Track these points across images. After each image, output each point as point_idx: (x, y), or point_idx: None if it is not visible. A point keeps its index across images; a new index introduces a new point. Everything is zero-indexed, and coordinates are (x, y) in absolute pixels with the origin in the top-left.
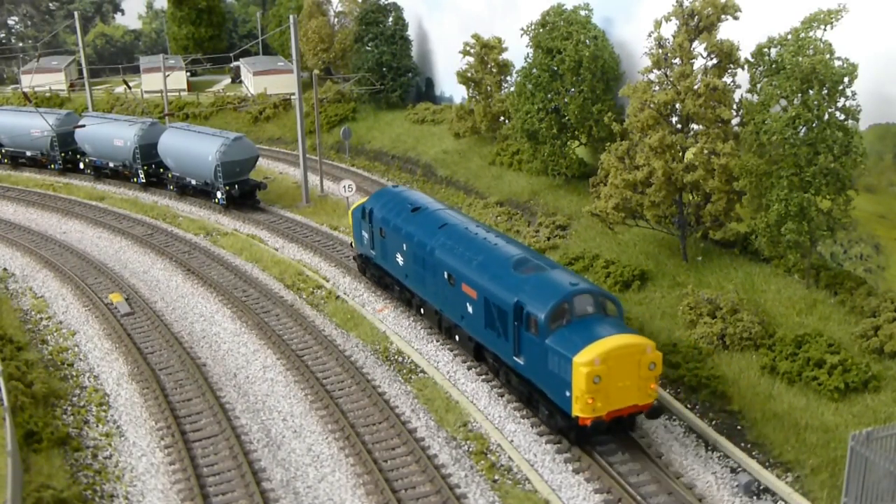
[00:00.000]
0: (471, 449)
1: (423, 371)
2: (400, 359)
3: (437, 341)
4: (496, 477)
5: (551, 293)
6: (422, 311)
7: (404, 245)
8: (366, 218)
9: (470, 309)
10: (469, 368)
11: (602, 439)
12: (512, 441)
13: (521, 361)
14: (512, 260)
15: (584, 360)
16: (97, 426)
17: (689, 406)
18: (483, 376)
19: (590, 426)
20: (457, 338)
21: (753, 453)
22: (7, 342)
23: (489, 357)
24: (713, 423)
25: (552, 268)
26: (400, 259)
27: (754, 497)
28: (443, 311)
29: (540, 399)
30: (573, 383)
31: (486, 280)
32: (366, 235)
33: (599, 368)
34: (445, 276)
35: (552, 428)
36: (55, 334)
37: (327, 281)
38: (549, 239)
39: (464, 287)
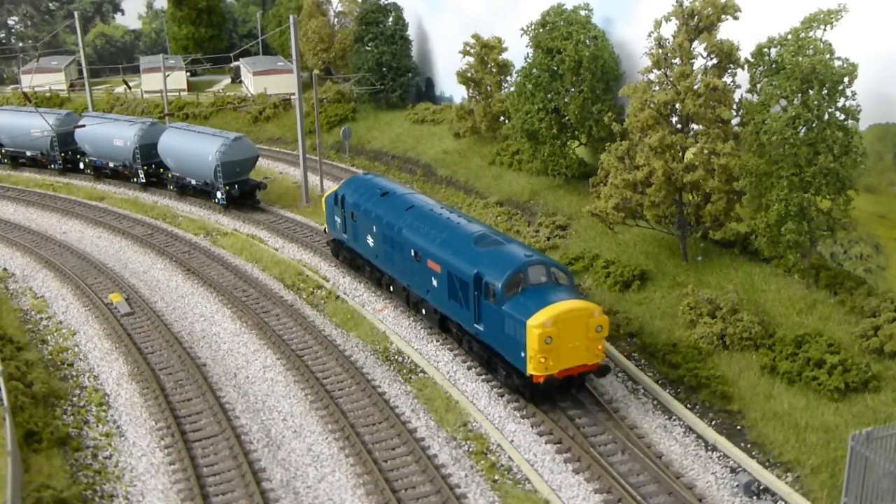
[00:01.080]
0: (471, 449)
1: (423, 371)
2: (400, 359)
3: (437, 341)
4: (496, 477)
5: (507, 264)
6: (391, 288)
7: (374, 227)
8: (338, 204)
9: (435, 283)
10: (469, 368)
11: (603, 440)
12: (512, 441)
13: (481, 328)
14: (473, 236)
15: (537, 322)
16: (97, 426)
17: (689, 406)
18: (483, 376)
19: (543, 383)
20: (423, 311)
21: (753, 453)
22: (7, 342)
23: (453, 327)
24: (713, 423)
25: (509, 242)
26: (370, 240)
27: (754, 497)
28: (410, 286)
29: (499, 362)
30: (527, 344)
31: (449, 255)
32: (338, 220)
33: (551, 330)
34: (412, 253)
35: (510, 387)
36: (55, 334)
37: (327, 281)
38: (549, 239)
39: (429, 263)
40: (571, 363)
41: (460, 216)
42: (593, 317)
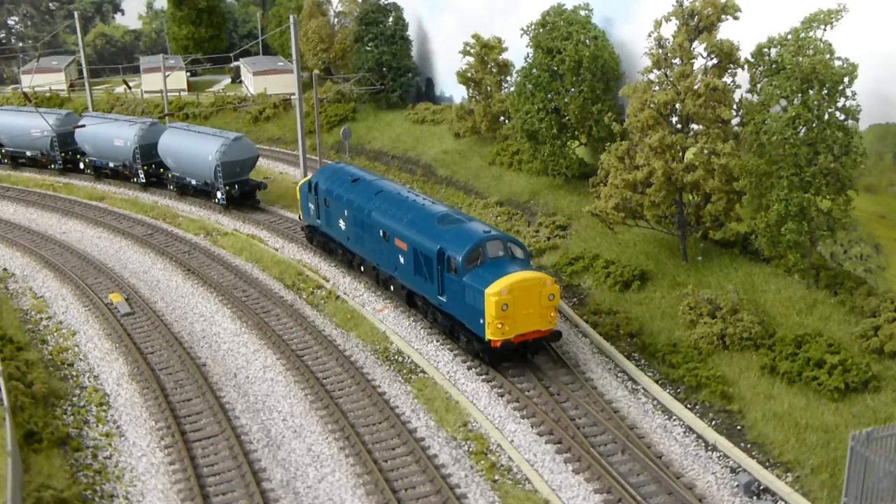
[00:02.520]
0: (471, 449)
1: (423, 371)
2: (400, 359)
3: (437, 341)
4: (496, 477)
5: (467, 239)
6: (361, 268)
7: (346, 211)
8: (311, 191)
9: (402, 260)
10: (469, 368)
11: (603, 440)
12: (512, 441)
13: (444, 299)
14: (436, 216)
15: (494, 291)
16: (97, 426)
17: (689, 406)
18: (483, 376)
19: (500, 348)
20: (391, 288)
21: (753, 453)
22: (7, 342)
23: (419, 301)
24: (713, 423)
25: (469, 221)
26: (342, 224)
27: (754, 497)
28: (379, 265)
29: (460, 330)
30: (486, 311)
31: (415, 233)
32: (312, 207)
33: (506, 297)
34: (381, 233)
35: (470, 353)
36: (55, 334)
37: (327, 281)
38: (549, 239)
39: (396, 241)
40: (526, 329)
41: (425, 199)
42: (546, 286)
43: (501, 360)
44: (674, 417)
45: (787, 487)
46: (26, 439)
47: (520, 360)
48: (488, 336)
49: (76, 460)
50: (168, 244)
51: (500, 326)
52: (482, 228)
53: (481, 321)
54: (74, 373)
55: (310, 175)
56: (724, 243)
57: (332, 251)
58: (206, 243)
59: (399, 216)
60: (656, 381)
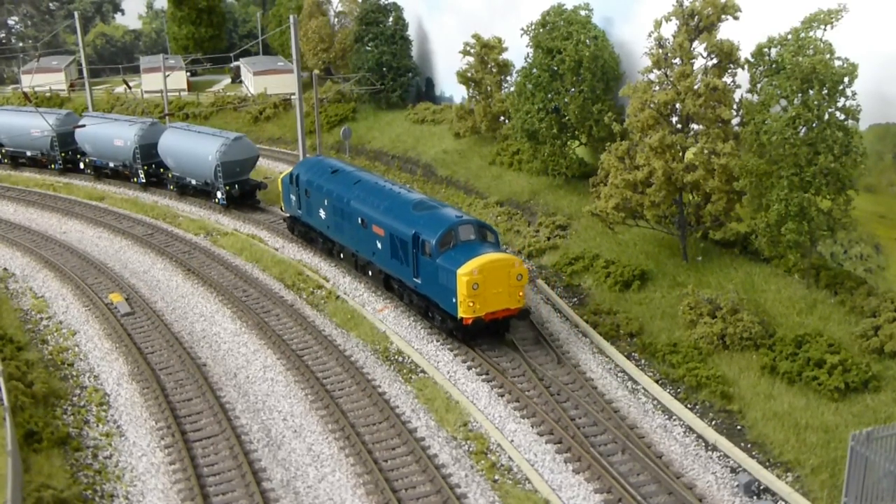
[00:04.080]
0: (471, 449)
1: (423, 371)
2: (400, 359)
3: (438, 341)
4: (496, 477)
5: (440, 224)
6: (341, 255)
7: (326, 201)
8: (293, 183)
9: (379, 245)
10: (469, 368)
11: (603, 440)
12: (512, 441)
13: (419, 281)
14: (412, 202)
15: (465, 271)
16: (97, 426)
17: (689, 406)
18: (483, 376)
19: (471, 325)
20: (370, 273)
21: (753, 453)
22: (7, 342)
23: (395, 284)
24: (713, 423)
25: (443, 207)
26: (322, 213)
27: (754, 497)
28: (358, 251)
29: (434, 310)
30: (458, 291)
31: (391, 220)
32: (293, 198)
33: (477, 277)
34: (359, 221)
35: (444, 331)
36: (55, 334)
37: (327, 281)
38: (549, 239)
39: (374, 228)
40: (496, 307)
41: (401, 187)
42: (514, 267)
43: (473, 337)
44: (674, 417)
45: (787, 487)
46: (26, 439)
47: (490, 336)
48: (460, 314)
49: (76, 460)
50: (168, 244)
51: (471, 305)
52: (455, 214)
53: (454, 300)
54: (74, 373)
55: (290, 168)
56: (724, 243)
57: (313, 240)
58: (207, 243)
59: (376, 204)
60: (656, 381)
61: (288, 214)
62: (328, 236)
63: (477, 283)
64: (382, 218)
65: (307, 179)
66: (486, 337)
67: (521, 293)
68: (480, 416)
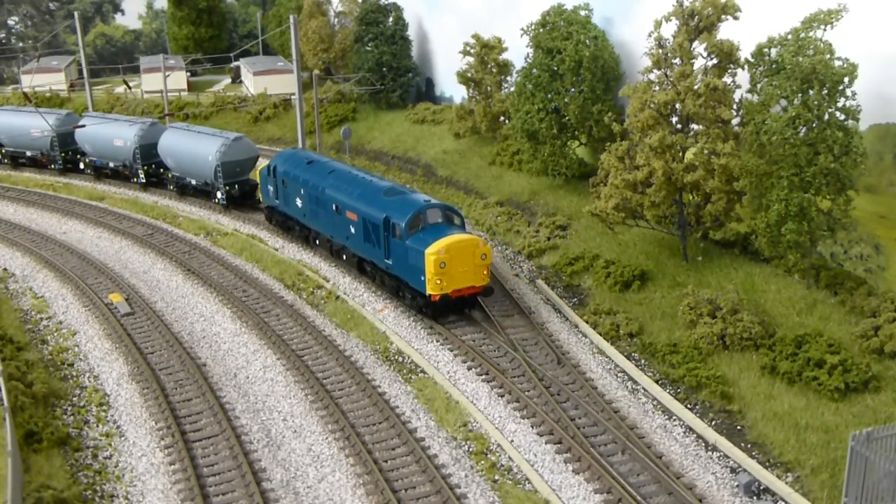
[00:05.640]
0: (471, 449)
1: (423, 371)
2: (400, 359)
3: (437, 341)
4: (496, 477)
5: (409, 208)
6: (317, 241)
7: (302, 190)
8: (271, 174)
9: (352, 230)
10: (469, 369)
11: (603, 440)
12: (512, 441)
13: (390, 262)
14: (383, 189)
15: (433, 251)
16: (97, 426)
17: (689, 406)
18: (483, 376)
19: (439, 301)
20: (344, 257)
21: (753, 453)
22: (7, 342)
23: (368, 266)
24: (713, 423)
25: (412, 193)
26: (299, 202)
27: (754, 497)
28: (333, 237)
29: (404, 288)
30: (426, 269)
31: (364, 205)
32: (271, 189)
33: (444, 256)
34: (334, 208)
35: (414, 308)
36: (55, 334)
37: (327, 281)
38: (549, 239)
39: (348, 214)
40: (462, 284)
41: (373, 176)
42: (478, 247)
43: (441, 313)
44: (674, 417)
45: (787, 487)
46: (26, 439)
47: (456, 312)
48: (429, 291)
49: (76, 460)
50: (168, 244)
51: (438, 282)
52: (423, 198)
53: (422, 278)
54: (74, 373)
55: (266, 161)
56: (724, 243)
57: (290, 228)
58: (207, 243)
59: (350, 191)
60: (656, 381)
61: (266, 205)
62: (304, 224)
63: (444, 262)
64: (355, 204)
65: (284, 171)
66: (452, 313)
67: (485, 271)
68: (480, 416)
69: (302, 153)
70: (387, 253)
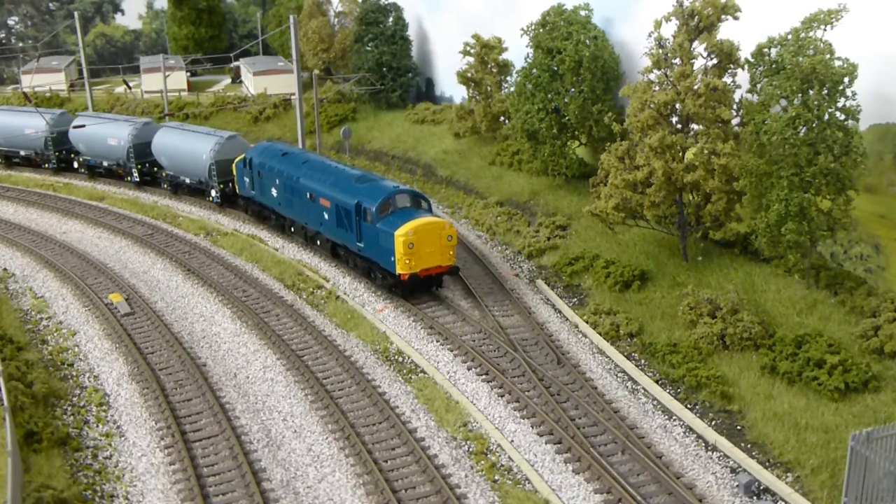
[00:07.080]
0: (471, 449)
1: (423, 371)
2: (400, 359)
3: (437, 341)
4: (496, 477)
5: (380, 193)
6: (292, 229)
7: (277, 181)
8: (247, 166)
9: (326, 216)
10: (469, 369)
11: (603, 440)
12: (512, 441)
13: (361, 245)
14: (354, 177)
15: (402, 232)
16: (97, 426)
17: (689, 406)
18: (483, 376)
19: (408, 280)
20: (318, 242)
21: (753, 453)
22: (7, 342)
23: (341, 251)
24: (713, 423)
25: (382, 180)
26: (274, 192)
27: (754, 497)
28: (307, 224)
29: (376, 269)
30: (395, 250)
31: (337, 192)
32: (247, 180)
33: (412, 237)
34: (308, 196)
35: (384, 288)
36: (55, 334)
37: (327, 281)
38: (549, 239)
39: (321, 201)
40: (429, 264)
41: (345, 166)
42: (445, 229)
43: (411, 291)
44: (674, 417)
45: (787, 487)
46: (26, 439)
47: (425, 291)
48: (398, 271)
49: (76, 460)
50: (168, 244)
51: (407, 262)
52: (392, 184)
53: (392, 259)
54: (74, 373)
55: (242, 154)
56: (724, 243)
57: (266, 217)
58: (206, 243)
59: (323, 179)
60: (656, 382)
61: (242, 196)
62: (280, 213)
63: (412, 243)
64: (328, 191)
65: (259, 162)
66: (421, 292)
67: (451, 252)
68: (480, 416)
69: (276, 146)
70: (359, 236)
